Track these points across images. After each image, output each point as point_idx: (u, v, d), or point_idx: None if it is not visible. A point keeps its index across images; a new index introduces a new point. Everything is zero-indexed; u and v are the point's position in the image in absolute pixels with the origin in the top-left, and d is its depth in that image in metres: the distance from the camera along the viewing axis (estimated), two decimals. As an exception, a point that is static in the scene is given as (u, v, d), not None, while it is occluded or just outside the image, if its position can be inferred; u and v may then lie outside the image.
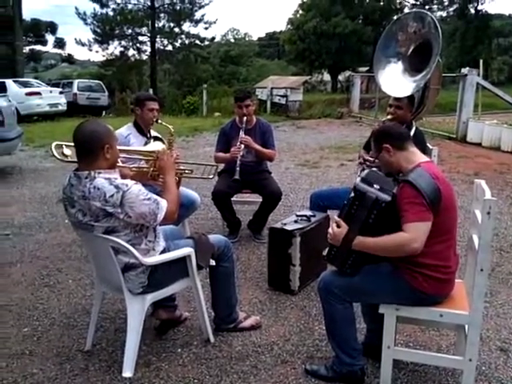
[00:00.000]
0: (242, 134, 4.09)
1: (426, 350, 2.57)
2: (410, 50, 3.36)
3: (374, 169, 2.32)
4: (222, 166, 4.40)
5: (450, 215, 2.12)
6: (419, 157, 2.20)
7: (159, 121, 3.64)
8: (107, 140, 2.22)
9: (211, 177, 3.87)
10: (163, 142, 3.12)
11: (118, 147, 2.39)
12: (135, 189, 2.19)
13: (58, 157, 2.43)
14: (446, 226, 2.09)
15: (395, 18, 3.55)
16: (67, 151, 2.41)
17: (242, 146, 4.06)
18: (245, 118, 4.12)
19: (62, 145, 2.46)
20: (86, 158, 2.21)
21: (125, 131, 3.61)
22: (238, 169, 4.00)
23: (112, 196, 2.14)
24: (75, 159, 2.28)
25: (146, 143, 3.46)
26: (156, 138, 3.29)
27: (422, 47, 3.23)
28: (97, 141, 2.19)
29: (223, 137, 4.32)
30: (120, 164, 2.58)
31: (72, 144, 2.29)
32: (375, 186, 2.06)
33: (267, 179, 4.28)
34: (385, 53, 3.44)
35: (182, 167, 3.30)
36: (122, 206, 2.15)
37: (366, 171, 2.23)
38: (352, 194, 2.11)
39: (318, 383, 2.34)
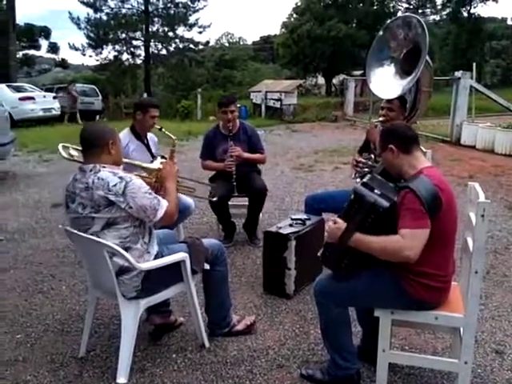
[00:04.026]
0: (231, 143, 4.08)
1: (421, 353, 2.57)
2: (402, 54, 3.38)
3: (375, 174, 2.29)
4: (211, 172, 4.38)
5: (450, 225, 2.10)
6: (422, 162, 2.18)
7: (163, 129, 3.57)
8: (111, 137, 2.36)
9: (214, 199, 3.83)
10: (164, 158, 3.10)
11: (125, 160, 2.55)
12: (138, 181, 2.30)
13: (65, 155, 2.55)
14: (445, 235, 2.08)
15: (385, 24, 3.56)
16: (74, 152, 2.54)
17: (233, 158, 4.04)
18: (230, 123, 4.10)
19: (68, 146, 2.58)
20: (90, 152, 2.32)
21: (123, 139, 3.46)
22: (234, 184, 4.02)
23: (115, 185, 2.21)
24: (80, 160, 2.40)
25: (152, 161, 3.40)
26: (162, 157, 3.22)
27: (413, 51, 3.25)
28: (101, 136, 2.33)
29: (208, 144, 4.28)
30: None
31: (78, 148, 2.42)
32: (376, 191, 2.06)
33: (252, 178, 4.17)
34: (378, 56, 3.46)
35: (183, 185, 3.26)
36: (125, 195, 2.21)
37: (368, 176, 2.21)
38: (352, 196, 2.11)
39: (314, 387, 2.33)
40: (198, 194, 3.48)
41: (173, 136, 3.52)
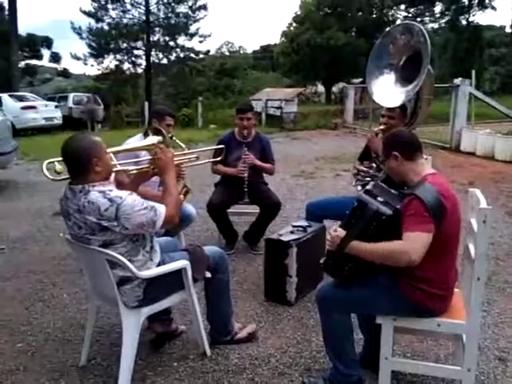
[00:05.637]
0: (245, 149, 4.11)
1: (424, 361, 2.55)
2: (402, 61, 3.38)
3: (379, 181, 2.29)
4: (217, 178, 4.40)
5: (454, 232, 2.10)
6: (426, 169, 2.19)
7: (174, 138, 3.61)
8: (94, 154, 2.18)
9: (219, 159, 3.87)
10: (161, 134, 2.92)
11: (116, 148, 2.44)
12: (130, 200, 2.15)
13: (50, 176, 2.36)
14: (448, 242, 2.08)
15: (386, 30, 3.58)
16: (60, 167, 2.33)
17: (246, 164, 4.07)
18: (245, 130, 4.14)
19: (53, 161, 2.36)
20: (76, 173, 2.20)
21: (138, 141, 3.56)
22: (246, 190, 4.05)
23: (106, 210, 2.11)
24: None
25: (145, 136, 3.42)
26: (155, 132, 3.08)
27: (413, 58, 3.25)
28: (84, 156, 2.16)
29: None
30: (119, 168, 2.55)
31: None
32: (379, 198, 2.06)
33: (266, 190, 4.28)
34: (377, 64, 3.46)
35: (186, 157, 3.13)
36: (118, 219, 2.12)
37: (371, 183, 2.22)
38: (355, 204, 2.11)
39: (316, 395, 2.31)
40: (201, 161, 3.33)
41: (183, 145, 3.53)
